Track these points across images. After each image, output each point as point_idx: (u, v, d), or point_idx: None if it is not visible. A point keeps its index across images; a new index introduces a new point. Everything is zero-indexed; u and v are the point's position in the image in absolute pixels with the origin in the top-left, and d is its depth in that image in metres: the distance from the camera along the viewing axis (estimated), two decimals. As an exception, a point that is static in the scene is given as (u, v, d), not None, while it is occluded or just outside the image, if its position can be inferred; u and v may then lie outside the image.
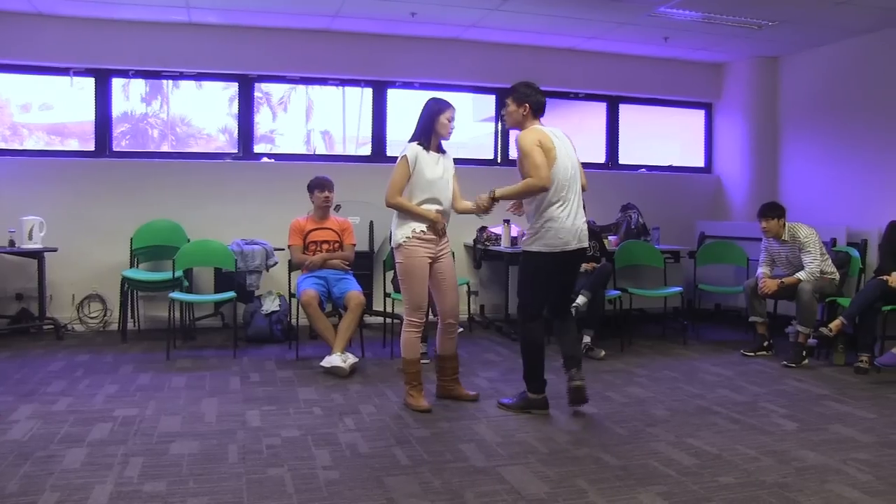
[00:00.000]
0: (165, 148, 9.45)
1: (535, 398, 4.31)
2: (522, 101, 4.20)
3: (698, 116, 8.75)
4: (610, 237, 7.15)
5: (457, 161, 4.53)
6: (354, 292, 5.44)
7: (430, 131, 4.28)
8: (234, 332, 6.06)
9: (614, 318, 6.63)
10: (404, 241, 4.22)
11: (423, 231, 4.23)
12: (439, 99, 4.36)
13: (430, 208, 4.27)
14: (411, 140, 4.30)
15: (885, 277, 5.52)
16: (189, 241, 6.52)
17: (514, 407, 4.34)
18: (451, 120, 4.30)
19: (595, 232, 6.52)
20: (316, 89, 8.22)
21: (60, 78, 6.93)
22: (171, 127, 9.50)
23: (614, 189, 7.91)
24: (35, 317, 6.50)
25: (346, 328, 5.30)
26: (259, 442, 3.70)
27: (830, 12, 6.38)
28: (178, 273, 6.06)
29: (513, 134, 4.38)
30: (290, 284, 5.99)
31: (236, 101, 7.40)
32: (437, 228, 4.28)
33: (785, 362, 5.68)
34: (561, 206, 4.10)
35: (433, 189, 4.26)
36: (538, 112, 4.23)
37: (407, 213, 4.24)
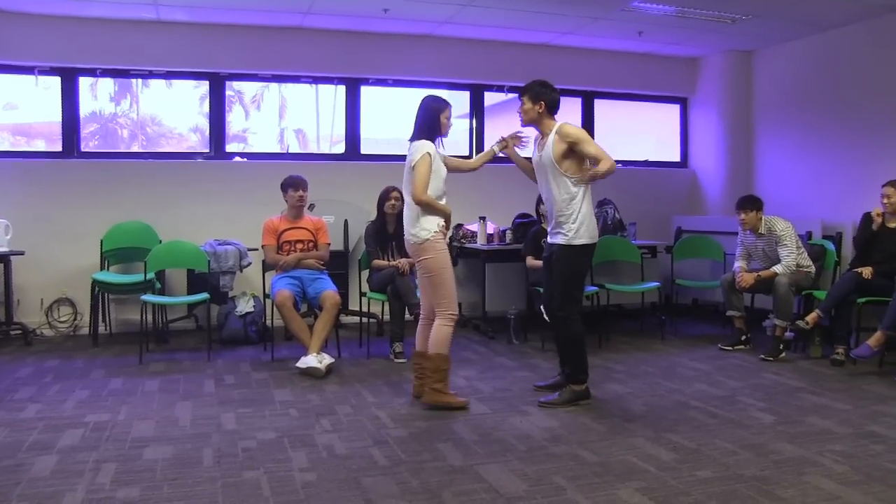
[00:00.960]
0: (136, 148, 9.34)
1: (581, 389, 4.45)
2: (538, 98, 4.39)
3: (673, 111, 8.81)
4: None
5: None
6: (329, 292, 5.44)
7: (435, 129, 4.37)
8: (208, 335, 6.01)
9: (592, 315, 6.63)
10: (433, 237, 4.29)
11: (441, 225, 4.36)
12: (437, 97, 4.44)
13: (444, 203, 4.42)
14: (415, 139, 4.35)
15: (859, 270, 5.60)
16: (161, 242, 6.47)
17: (560, 403, 4.41)
18: (449, 118, 4.42)
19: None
20: (289, 87, 8.16)
21: (25, 77, 6.84)
22: (141, 127, 9.40)
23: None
24: (1, 322, 6.41)
25: (321, 329, 5.30)
26: (234, 445, 3.68)
27: (802, 7, 6.45)
28: (150, 275, 6.01)
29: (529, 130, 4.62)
30: (264, 285, 5.97)
31: (207, 99, 7.34)
32: (448, 223, 4.43)
33: (762, 356, 5.74)
34: (590, 196, 4.41)
35: (444, 185, 4.38)
36: (553, 109, 4.42)
37: (428, 209, 4.30)
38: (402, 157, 4.52)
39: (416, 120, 4.40)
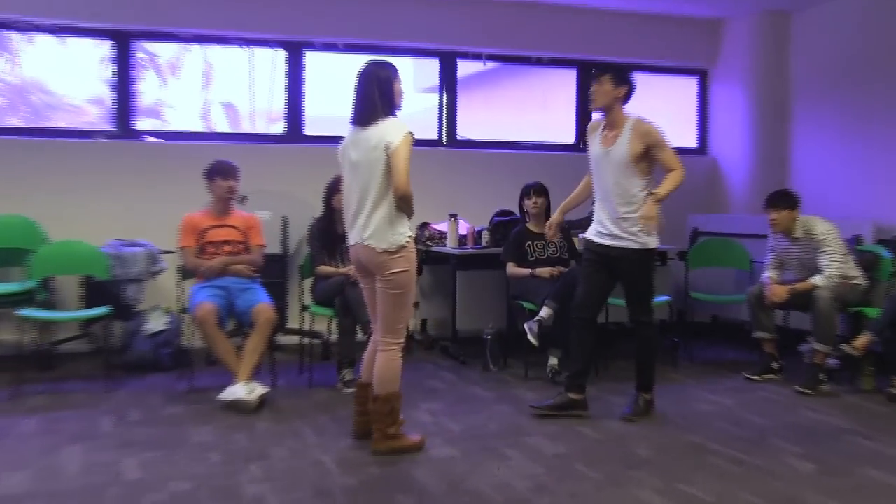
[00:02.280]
0: (16, 122, 9.19)
1: (651, 397, 5.19)
2: (622, 83, 4.89)
3: (689, 86, 8.89)
4: (580, 235, 7.18)
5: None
6: (263, 305, 5.45)
7: (395, 102, 4.39)
8: (106, 359, 5.95)
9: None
10: (408, 243, 4.31)
11: (412, 229, 4.41)
12: (382, 62, 4.42)
13: None
14: (378, 117, 4.29)
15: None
16: (48, 242, 6.39)
17: (638, 414, 5.07)
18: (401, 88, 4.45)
19: (563, 228, 6.57)
20: (216, 51, 8.11)
21: None
22: (22, 94, 9.25)
23: (582, 174, 7.92)
24: None
25: (252, 351, 5.32)
26: (138, 500, 3.64)
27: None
28: (33, 283, 5.94)
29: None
30: (181, 297, 5.93)
31: (111, 63, 7.25)
32: None
33: (799, 388, 5.78)
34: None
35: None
36: (628, 99, 4.94)
37: (407, 206, 4.29)
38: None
39: (360, 95, 4.35)
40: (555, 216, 5.37)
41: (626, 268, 4.96)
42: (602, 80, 4.87)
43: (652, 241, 4.91)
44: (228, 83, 9.37)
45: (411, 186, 4.22)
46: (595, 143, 5.00)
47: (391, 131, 4.23)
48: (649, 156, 4.86)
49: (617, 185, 4.87)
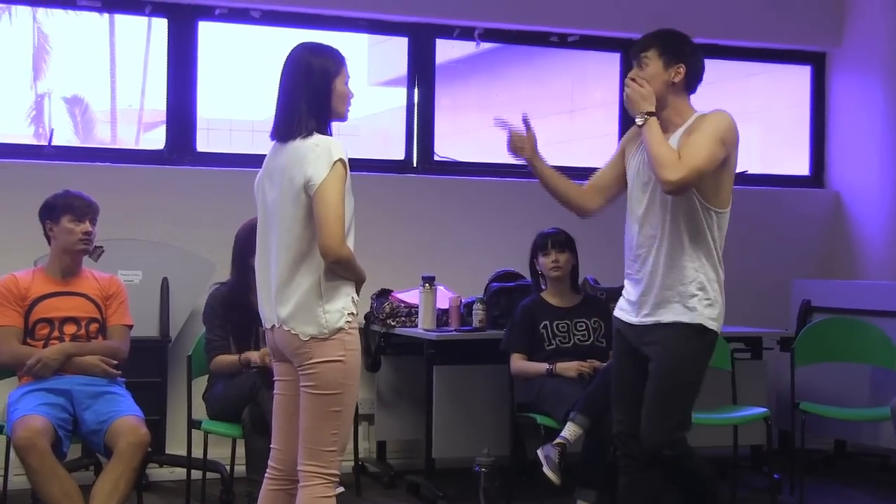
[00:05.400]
0: None
1: None
2: (676, 58, 4.65)
3: (798, 78, 9.01)
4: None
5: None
6: (128, 421, 5.41)
7: (325, 108, 4.39)
8: None
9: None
10: (347, 324, 4.32)
11: (355, 302, 4.38)
12: (320, 46, 4.49)
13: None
14: (299, 131, 4.31)
15: None
16: None
17: None
18: (347, 84, 4.45)
19: (598, 301, 6.73)
20: (55, 16, 8.25)
21: None
22: None
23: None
24: None
25: (108, 492, 5.25)
26: None
27: None
28: None
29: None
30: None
31: None
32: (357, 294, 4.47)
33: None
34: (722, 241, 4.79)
35: (352, 221, 4.40)
36: (693, 82, 4.74)
37: (348, 271, 4.34)
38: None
39: (280, 95, 4.41)
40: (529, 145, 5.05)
41: (655, 356, 4.70)
42: (644, 59, 4.66)
43: (709, 317, 4.67)
44: (76, 69, 9.43)
45: (351, 241, 4.28)
46: (632, 156, 4.85)
47: (313, 158, 4.22)
48: (724, 167, 4.63)
49: (667, 218, 4.63)
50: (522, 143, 4.96)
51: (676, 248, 4.62)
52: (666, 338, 4.65)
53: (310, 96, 4.34)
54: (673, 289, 4.63)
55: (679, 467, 4.81)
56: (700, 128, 4.56)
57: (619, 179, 4.95)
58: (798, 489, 7.00)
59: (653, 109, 4.55)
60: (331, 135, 4.38)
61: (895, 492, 6.72)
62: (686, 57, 4.66)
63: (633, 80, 4.67)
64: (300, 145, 4.25)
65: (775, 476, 7.01)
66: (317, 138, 4.27)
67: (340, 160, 4.21)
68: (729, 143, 4.59)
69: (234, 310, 6.03)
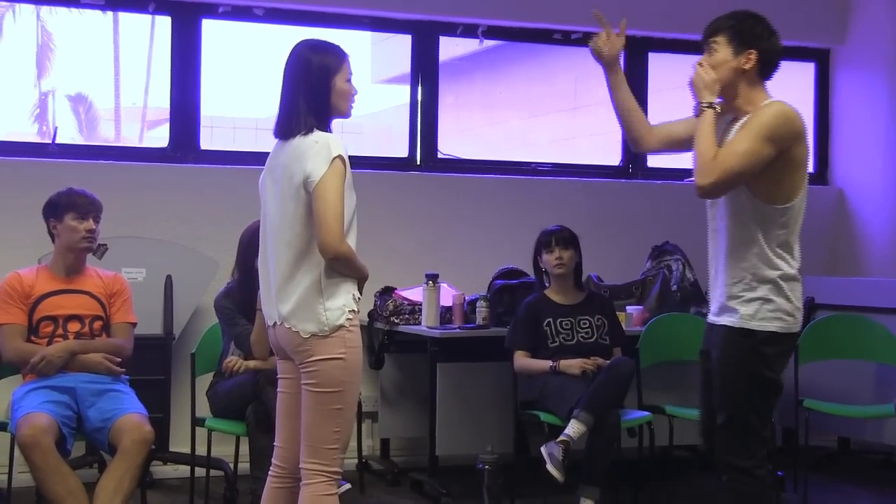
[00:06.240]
0: None
1: None
2: (749, 44, 4.44)
3: (801, 75, 9.02)
4: (628, 308, 7.29)
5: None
6: (132, 418, 5.42)
7: (325, 105, 4.40)
8: None
9: (640, 464, 6.77)
10: (348, 321, 4.33)
11: (358, 298, 4.38)
12: (320, 44, 4.50)
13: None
14: (299, 128, 4.34)
15: None
16: None
17: None
18: (350, 82, 4.45)
19: (602, 298, 6.73)
20: (59, 14, 8.24)
21: None
22: None
23: (638, 214, 8.10)
24: None
25: (113, 489, 5.25)
26: None
27: None
28: None
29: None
30: None
31: None
32: (360, 292, 4.45)
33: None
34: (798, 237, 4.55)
35: (353, 218, 4.42)
36: (768, 70, 4.55)
37: (345, 268, 4.35)
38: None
39: (282, 92, 4.44)
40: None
41: (716, 362, 4.44)
42: (712, 46, 4.45)
43: (763, 320, 4.35)
44: (79, 67, 9.43)
45: (353, 238, 4.30)
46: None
47: (312, 155, 4.24)
48: (785, 161, 4.35)
49: (726, 217, 4.48)
50: (608, 45, 4.81)
51: (729, 244, 4.47)
52: (717, 341, 4.46)
53: (309, 93, 4.36)
54: (725, 287, 4.46)
55: None
56: (748, 123, 4.32)
57: (685, 138, 4.65)
58: (802, 486, 7.01)
59: (713, 100, 4.36)
60: (331, 132, 4.38)
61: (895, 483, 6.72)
62: (758, 42, 4.44)
63: (700, 65, 4.46)
64: (300, 142, 4.27)
65: (779, 473, 6.98)
66: (317, 135, 4.28)
67: (339, 157, 4.22)
68: (778, 137, 4.28)
69: (243, 306, 6.03)
